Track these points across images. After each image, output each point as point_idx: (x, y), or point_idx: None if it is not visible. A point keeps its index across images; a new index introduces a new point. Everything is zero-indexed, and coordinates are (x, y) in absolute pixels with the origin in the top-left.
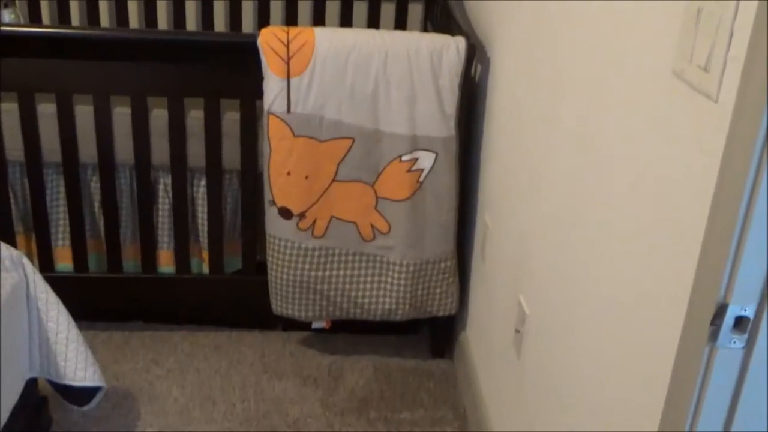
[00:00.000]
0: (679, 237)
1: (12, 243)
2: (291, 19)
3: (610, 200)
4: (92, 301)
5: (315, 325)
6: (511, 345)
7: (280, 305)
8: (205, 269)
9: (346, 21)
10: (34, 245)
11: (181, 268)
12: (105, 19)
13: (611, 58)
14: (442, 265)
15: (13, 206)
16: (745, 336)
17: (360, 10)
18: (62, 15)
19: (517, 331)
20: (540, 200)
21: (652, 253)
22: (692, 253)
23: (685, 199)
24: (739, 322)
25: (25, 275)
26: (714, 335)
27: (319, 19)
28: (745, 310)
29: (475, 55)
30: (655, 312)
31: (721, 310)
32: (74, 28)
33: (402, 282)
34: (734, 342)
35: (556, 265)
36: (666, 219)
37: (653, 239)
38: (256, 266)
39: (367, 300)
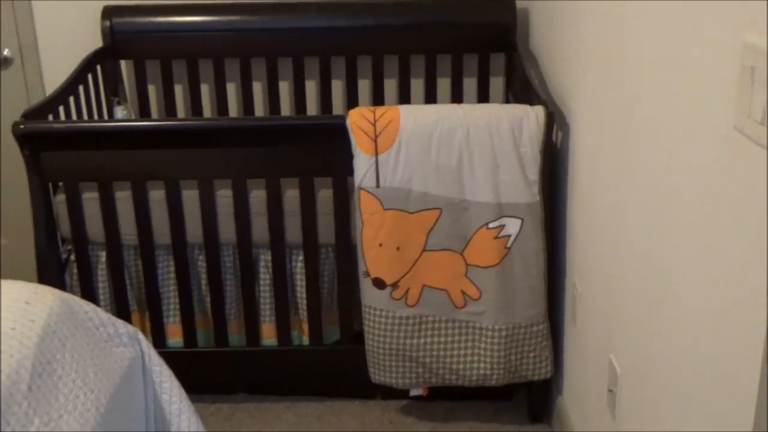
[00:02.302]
0: (755, 283)
1: (127, 320)
2: (378, 98)
3: (687, 255)
4: (201, 375)
5: (413, 392)
6: (605, 406)
7: (378, 374)
8: (306, 341)
9: (430, 97)
10: (147, 322)
11: (283, 340)
12: (207, 109)
13: (678, 118)
14: (534, 328)
15: (128, 286)
16: None
17: (443, 86)
18: (168, 108)
19: (610, 391)
20: (623, 260)
21: (730, 302)
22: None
23: (753, 246)
24: None
25: (141, 350)
26: None
27: (404, 97)
28: None
29: (554, 122)
30: (740, 359)
31: None
32: (179, 120)
33: (495, 347)
34: None
35: (643, 322)
36: (739, 266)
37: (731, 288)
38: (354, 336)
39: (461, 366)
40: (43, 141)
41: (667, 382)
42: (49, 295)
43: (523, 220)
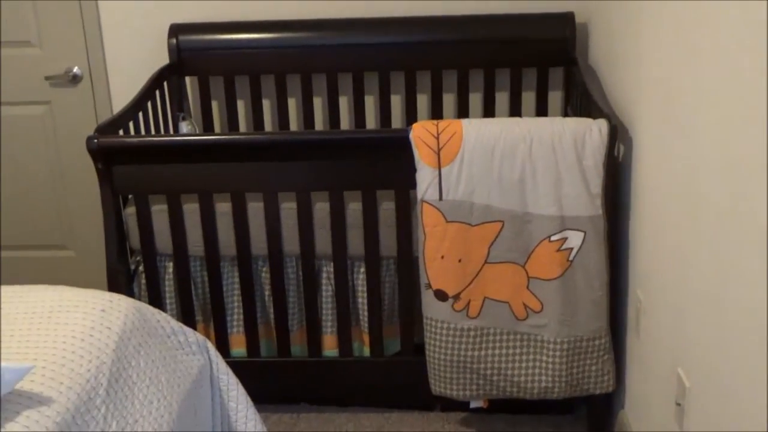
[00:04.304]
0: None
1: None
2: (436, 112)
3: (759, 266)
4: (263, 385)
5: (473, 404)
6: (673, 420)
7: (438, 385)
8: (367, 352)
9: (488, 111)
10: (211, 332)
11: (344, 352)
12: (268, 124)
13: (750, 130)
14: (597, 342)
15: (193, 297)
16: None
17: (502, 100)
18: (231, 123)
19: (678, 405)
20: (691, 272)
21: None
22: None
23: None
24: None
25: (209, 358)
26: None
27: (463, 111)
28: None
29: (617, 135)
30: None
31: None
32: (244, 134)
33: (557, 360)
34: None
35: (713, 334)
36: None
37: None
38: (415, 348)
39: (523, 378)
40: (116, 155)
41: (740, 394)
42: (123, 303)
43: (585, 233)
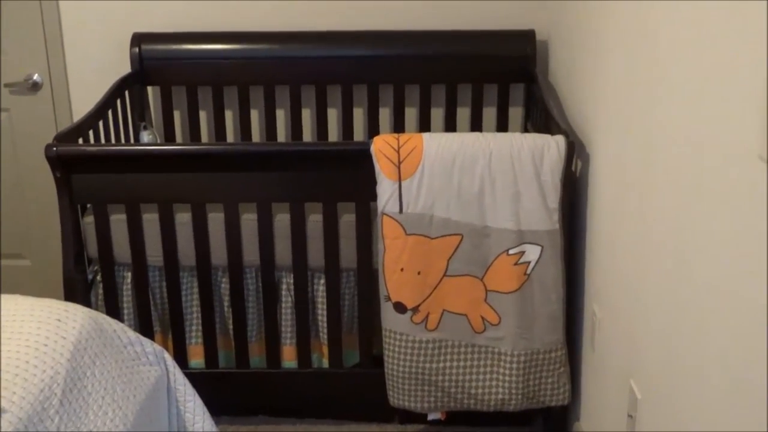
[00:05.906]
0: None
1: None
2: (399, 126)
3: (711, 282)
4: (221, 396)
5: (431, 416)
6: (624, 431)
7: (396, 397)
8: (326, 363)
9: (450, 126)
10: (170, 343)
11: (303, 363)
12: (230, 135)
13: (703, 148)
14: (552, 354)
15: (152, 307)
16: None
17: (463, 115)
18: (193, 134)
19: (630, 416)
20: (646, 287)
21: (755, 328)
22: None
23: None
24: None
25: (166, 369)
26: None
27: (425, 125)
28: None
29: (575, 152)
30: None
31: None
32: (205, 144)
33: (514, 372)
34: None
35: (664, 347)
36: (765, 293)
37: (756, 315)
38: (373, 360)
39: (480, 390)
40: (75, 163)
41: (689, 406)
42: (79, 313)
43: (542, 247)
